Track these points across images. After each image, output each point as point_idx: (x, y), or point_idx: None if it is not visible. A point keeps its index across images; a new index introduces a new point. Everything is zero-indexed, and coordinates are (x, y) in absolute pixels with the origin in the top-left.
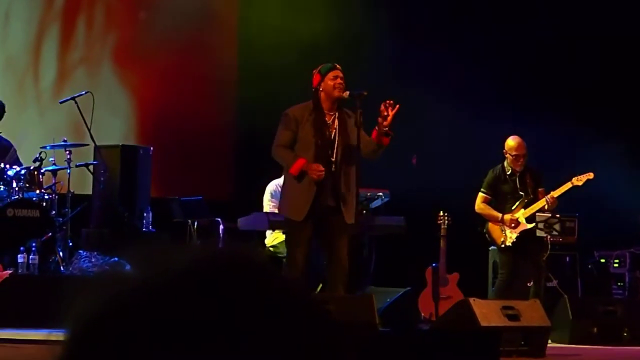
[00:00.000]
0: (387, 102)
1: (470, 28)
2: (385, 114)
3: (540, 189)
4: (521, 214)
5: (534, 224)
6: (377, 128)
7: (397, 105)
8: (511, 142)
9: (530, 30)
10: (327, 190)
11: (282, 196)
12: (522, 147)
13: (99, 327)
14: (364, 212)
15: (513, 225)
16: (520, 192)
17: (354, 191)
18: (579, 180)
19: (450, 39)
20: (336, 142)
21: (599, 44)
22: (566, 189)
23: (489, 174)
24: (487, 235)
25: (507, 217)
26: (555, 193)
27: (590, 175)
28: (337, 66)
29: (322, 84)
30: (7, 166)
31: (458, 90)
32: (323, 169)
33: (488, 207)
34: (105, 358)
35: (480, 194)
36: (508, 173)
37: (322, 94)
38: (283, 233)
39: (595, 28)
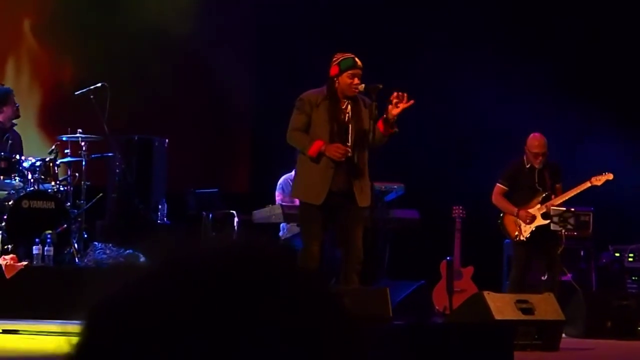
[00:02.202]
0: (400, 93)
1: (497, 19)
2: (396, 101)
3: (558, 186)
4: (537, 209)
5: (549, 220)
6: (384, 116)
7: (412, 101)
8: (532, 139)
9: (556, 23)
10: (342, 174)
11: (297, 181)
12: (543, 145)
13: (112, 317)
14: (378, 205)
15: (528, 220)
16: (538, 187)
17: (367, 175)
18: (598, 181)
19: (474, 32)
20: (350, 127)
21: (613, 38)
22: (584, 188)
23: (509, 165)
24: (501, 228)
25: (523, 212)
26: (572, 192)
27: (610, 176)
28: (358, 63)
29: (338, 77)
30: (23, 158)
31: (475, 83)
32: (345, 147)
33: (505, 199)
34: (117, 348)
35: (498, 185)
36: (527, 167)
37: (337, 85)
38: (297, 225)
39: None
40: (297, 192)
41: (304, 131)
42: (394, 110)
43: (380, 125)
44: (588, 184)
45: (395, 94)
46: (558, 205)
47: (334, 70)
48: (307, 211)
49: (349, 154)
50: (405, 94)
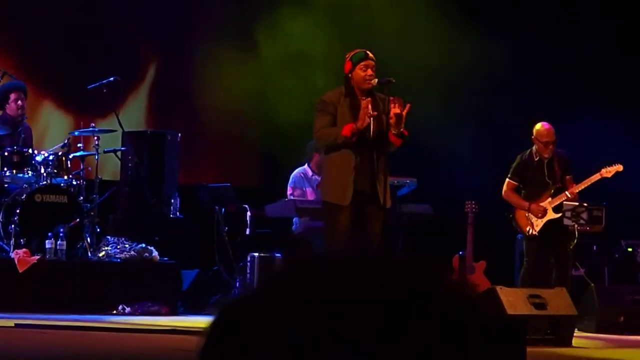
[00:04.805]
0: (394, 98)
1: (506, 16)
2: (398, 110)
3: (568, 177)
4: (548, 203)
5: (561, 214)
6: (391, 128)
7: (408, 105)
8: (541, 128)
9: (568, 24)
10: (363, 174)
11: (325, 183)
12: (552, 133)
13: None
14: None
15: (540, 214)
16: (548, 180)
17: (387, 174)
18: (608, 172)
19: (486, 27)
20: (371, 125)
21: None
22: (594, 180)
23: (517, 159)
24: (513, 223)
25: (535, 206)
26: (582, 185)
27: (620, 168)
28: (369, 55)
29: (352, 72)
30: (35, 152)
31: (486, 77)
32: (371, 111)
33: (515, 194)
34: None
35: (508, 181)
36: (536, 160)
37: (353, 81)
38: (310, 220)
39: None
40: (325, 194)
41: None
42: (398, 122)
43: (390, 137)
44: (598, 176)
45: (391, 104)
46: (570, 200)
47: (347, 66)
48: (333, 212)
49: (375, 114)
50: (400, 100)
